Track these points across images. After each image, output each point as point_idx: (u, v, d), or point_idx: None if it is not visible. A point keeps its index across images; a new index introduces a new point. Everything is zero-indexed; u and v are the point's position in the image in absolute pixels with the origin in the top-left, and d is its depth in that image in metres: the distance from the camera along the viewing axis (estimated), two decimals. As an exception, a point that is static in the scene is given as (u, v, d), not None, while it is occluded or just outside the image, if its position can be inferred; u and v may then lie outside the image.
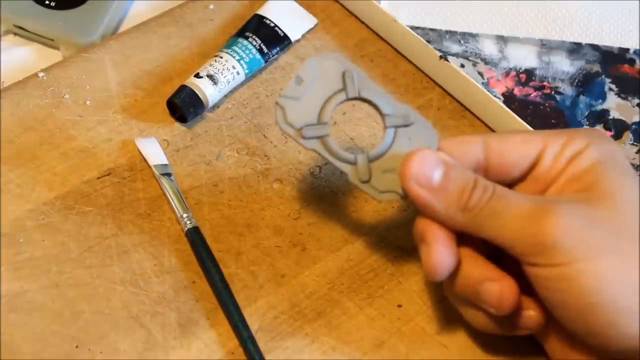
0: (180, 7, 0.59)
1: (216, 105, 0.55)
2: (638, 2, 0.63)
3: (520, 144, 0.44)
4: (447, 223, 0.42)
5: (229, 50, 0.55)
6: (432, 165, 0.42)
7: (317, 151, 0.44)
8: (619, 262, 0.39)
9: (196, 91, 0.53)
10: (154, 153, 0.51)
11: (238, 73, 0.55)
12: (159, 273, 0.47)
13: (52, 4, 0.58)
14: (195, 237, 0.48)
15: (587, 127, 0.57)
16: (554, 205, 0.40)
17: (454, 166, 0.43)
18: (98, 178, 0.51)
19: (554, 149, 0.44)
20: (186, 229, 0.48)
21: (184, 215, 0.49)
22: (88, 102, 0.54)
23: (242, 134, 0.54)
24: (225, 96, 0.55)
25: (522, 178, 0.45)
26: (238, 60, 0.55)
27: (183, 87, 0.53)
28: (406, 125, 0.45)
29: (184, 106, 0.53)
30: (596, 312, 0.39)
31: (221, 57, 0.55)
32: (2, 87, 0.55)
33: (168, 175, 0.50)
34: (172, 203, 0.49)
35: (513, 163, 0.44)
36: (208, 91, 0.53)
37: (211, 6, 0.59)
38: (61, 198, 0.50)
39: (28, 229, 0.48)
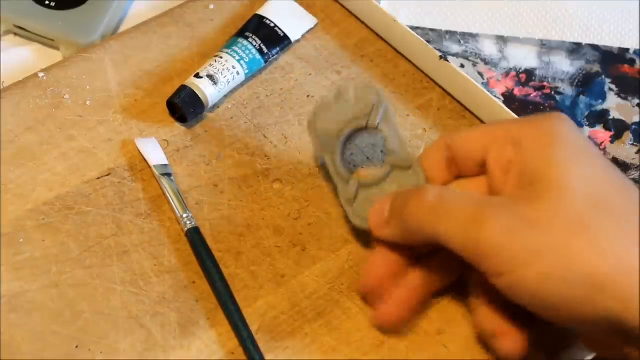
0: (180, 7, 0.59)
1: (216, 106, 0.55)
2: (638, 2, 0.63)
3: (466, 142, 0.45)
4: (404, 241, 0.44)
5: (229, 51, 0.55)
6: (383, 205, 0.45)
7: (325, 161, 0.48)
8: (563, 258, 0.38)
9: (196, 91, 0.53)
10: (154, 153, 0.51)
11: (238, 73, 0.55)
12: (159, 273, 0.47)
13: (52, 4, 0.58)
14: (195, 237, 0.48)
15: (551, 113, 0.54)
16: (491, 210, 0.40)
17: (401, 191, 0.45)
18: (98, 178, 0.51)
19: (497, 144, 0.44)
20: (186, 229, 0.48)
21: (184, 216, 0.49)
22: (88, 102, 0.54)
23: (242, 134, 0.54)
24: (225, 96, 0.55)
25: (483, 172, 0.45)
26: (238, 61, 0.55)
27: (183, 87, 0.53)
28: (402, 168, 0.47)
29: (184, 106, 0.53)
30: (559, 309, 0.39)
31: (221, 57, 0.55)
32: (2, 87, 0.55)
33: (168, 175, 0.50)
34: (172, 203, 0.49)
35: (466, 159, 0.45)
36: (208, 91, 0.53)
37: (211, 6, 0.59)
38: (61, 198, 0.50)
39: (28, 229, 0.48)
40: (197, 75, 0.54)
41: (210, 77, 0.54)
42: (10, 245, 0.48)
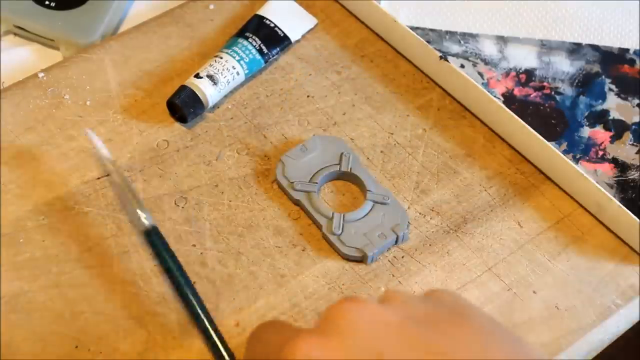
0: (180, 7, 0.59)
1: (216, 106, 0.55)
2: (638, 2, 0.63)
3: None
4: None
5: (229, 51, 0.55)
6: None
7: (301, 202, 0.50)
8: None
9: (196, 91, 0.53)
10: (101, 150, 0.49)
11: (238, 73, 0.55)
12: (159, 273, 0.47)
13: (52, 4, 0.58)
14: (155, 239, 0.46)
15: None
16: None
17: None
18: (98, 178, 0.51)
19: None
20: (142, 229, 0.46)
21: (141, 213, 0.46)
22: (88, 102, 0.54)
23: (242, 134, 0.54)
24: (225, 96, 0.55)
25: None
26: (238, 61, 0.55)
27: (183, 88, 0.53)
28: (383, 204, 0.50)
29: (184, 106, 0.53)
30: None
31: (221, 58, 0.55)
32: (2, 87, 0.55)
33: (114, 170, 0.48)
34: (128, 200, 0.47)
35: None
36: (208, 91, 0.53)
37: (211, 6, 0.59)
38: (61, 198, 0.50)
39: (28, 229, 0.48)
40: (197, 76, 0.54)
41: (210, 77, 0.54)
42: (10, 245, 0.48)
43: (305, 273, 0.48)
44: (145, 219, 0.46)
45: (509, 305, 0.48)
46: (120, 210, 0.49)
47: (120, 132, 0.53)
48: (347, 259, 0.49)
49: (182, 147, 0.53)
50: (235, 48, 0.55)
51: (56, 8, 0.58)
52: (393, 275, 0.49)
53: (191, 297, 0.44)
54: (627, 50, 0.61)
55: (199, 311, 0.44)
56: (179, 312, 0.46)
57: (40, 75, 0.55)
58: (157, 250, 0.46)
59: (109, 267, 0.47)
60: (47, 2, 0.58)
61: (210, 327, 0.44)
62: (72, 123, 0.53)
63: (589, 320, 0.47)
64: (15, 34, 0.59)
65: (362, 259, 0.49)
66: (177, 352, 0.45)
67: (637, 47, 0.61)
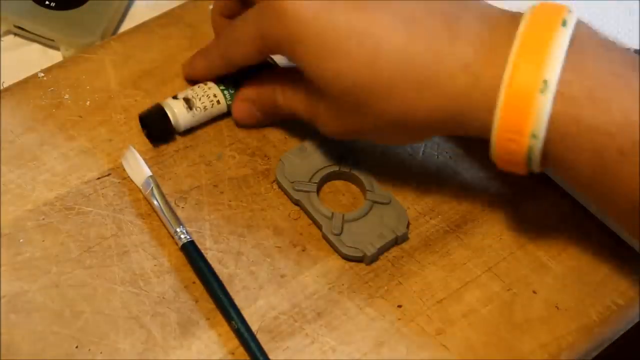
0: (180, 7, 0.59)
1: (216, 106, 0.55)
2: (638, 2, 0.63)
3: None
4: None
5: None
6: None
7: (301, 202, 0.50)
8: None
9: (167, 111, 0.52)
10: (137, 169, 0.50)
11: (219, 102, 0.53)
12: (159, 273, 0.47)
13: (52, 4, 0.58)
14: (191, 251, 0.47)
15: None
16: None
17: None
18: (98, 178, 0.51)
19: None
20: (181, 243, 0.48)
21: (178, 230, 0.48)
22: (88, 103, 0.54)
23: (242, 134, 0.54)
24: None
25: None
26: (222, 90, 0.53)
27: (156, 106, 0.52)
28: (383, 203, 0.50)
29: (152, 125, 0.52)
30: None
31: (205, 84, 0.53)
32: (2, 87, 0.55)
33: (156, 186, 0.49)
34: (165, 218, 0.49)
35: None
36: (181, 114, 0.52)
37: (211, 6, 0.59)
38: (61, 198, 0.50)
39: (28, 229, 0.48)
40: (174, 97, 0.52)
41: (186, 100, 0.52)
42: (10, 245, 0.48)
43: (305, 273, 0.48)
44: (183, 235, 0.48)
45: (509, 305, 0.48)
46: (121, 210, 0.50)
47: (120, 132, 0.53)
48: (347, 259, 0.49)
49: (182, 147, 0.53)
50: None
51: (56, 8, 0.58)
52: (393, 275, 0.49)
53: (231, 312, 0.46)
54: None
55: (240, 324, 0.45)
56: (179, 312, 0.46)
57: (40, 75, 0.55)
58: (194, 263, 0.47)
59: (109, 267, 0.47)
60: (47, 2, 0.58)
61: (248, 334, 0.45)
62: (72, 123, 0.53)
63: (589, 320, 0.48)
64: (15, 34, 0.59)
65: (362, 259, 0.49)
66: (177, 352, 0.45)
67: (637, 47, 0.61)
